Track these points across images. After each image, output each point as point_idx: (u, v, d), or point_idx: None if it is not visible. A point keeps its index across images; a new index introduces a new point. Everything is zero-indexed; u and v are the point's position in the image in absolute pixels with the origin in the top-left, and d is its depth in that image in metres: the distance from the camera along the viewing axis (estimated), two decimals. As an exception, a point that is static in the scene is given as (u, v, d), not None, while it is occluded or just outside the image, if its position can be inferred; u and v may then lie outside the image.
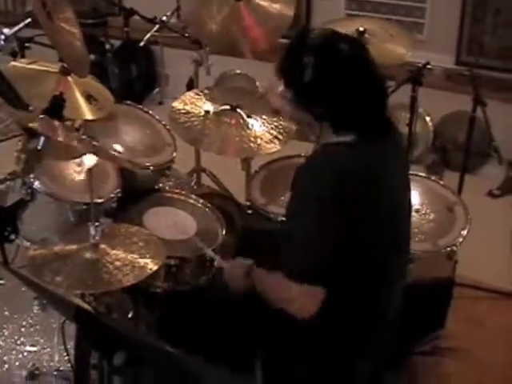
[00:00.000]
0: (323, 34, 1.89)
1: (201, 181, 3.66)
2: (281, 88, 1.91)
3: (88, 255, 1.90)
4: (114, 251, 1.96)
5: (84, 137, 1.85)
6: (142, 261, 1.98)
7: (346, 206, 1.80)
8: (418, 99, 4.16)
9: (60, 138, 1.66)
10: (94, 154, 1.78)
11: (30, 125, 1.88)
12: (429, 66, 3.64)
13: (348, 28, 3.04)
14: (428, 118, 4.85)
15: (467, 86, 3.56)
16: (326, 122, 1.87)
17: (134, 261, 1.96)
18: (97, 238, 1.92)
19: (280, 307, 1.90)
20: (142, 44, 3.73)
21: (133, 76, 5.22)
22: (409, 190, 2.07)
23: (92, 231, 1.91)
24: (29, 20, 2.00)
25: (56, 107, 1.72)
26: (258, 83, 4.80)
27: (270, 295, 1.94)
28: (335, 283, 1.84)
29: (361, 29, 2.97)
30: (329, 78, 1.84)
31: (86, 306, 1.60)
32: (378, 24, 3.15)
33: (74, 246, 1.93)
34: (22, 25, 1.99)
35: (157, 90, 5.52)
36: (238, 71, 5.07)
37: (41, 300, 2.09)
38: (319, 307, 1.86)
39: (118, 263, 1.92)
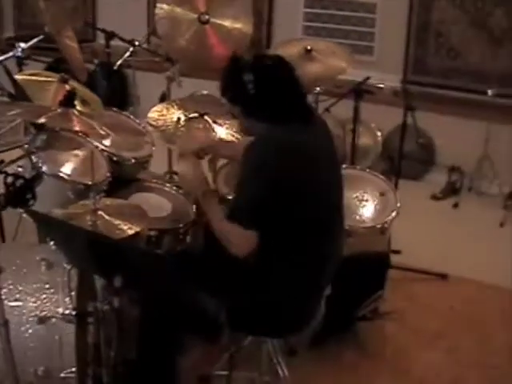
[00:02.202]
0: (251, 57, 2.58)
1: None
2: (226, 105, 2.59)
3: (89, 218, 2.55)
4: (108, 217, 2.61)
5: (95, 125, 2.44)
6: (128, 225, 2.63)
7: (275, 173, 2.44)
8: (370, 114, 4.92)
9: (76, 127, 2.28)
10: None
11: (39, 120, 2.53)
12: (380, 85, 4.38)
13: (298, 47, 3.78)
14: (379, 133, 5.57)
15: (413, 102, 4.15)
16: (254, 117, 2.55)
17: (122, 224, 2.62)
18: (97, 205, 2.57)
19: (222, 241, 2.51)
20: (115, 67, 4.39)
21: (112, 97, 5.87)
22: (336, 162, 2.73)
23: (92, 199, 2.56)
24: (41, 36, 2.65)
25: (69, 99, 2.38)
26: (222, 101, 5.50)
27: (215, 227, 2.56)
28: (269, 231, 2.47)
29: (308, 47, 3.70)
30: (267, 88, 2.51)
31: (92, 229, 2.26)
32: (324, 44, 3.90)
33: (79, 210, 2.59)
34: (35, 40, 2.64)
35: (130, 109, 6.15)
36: (206, 92, 5.76)
37: (47, 260, 2.68)
38: (252, 249, 2.46)
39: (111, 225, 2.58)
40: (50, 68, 4.75)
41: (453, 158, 5.41)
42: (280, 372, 2.99)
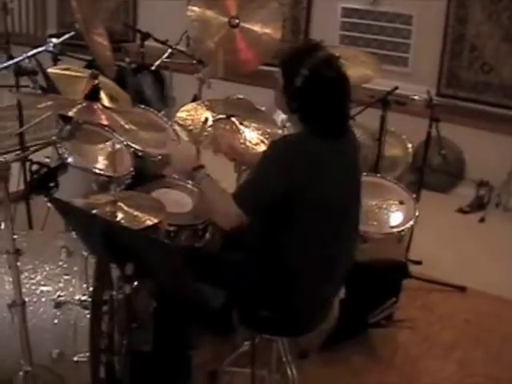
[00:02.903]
0: (324, 55, 2.65)
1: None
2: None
3: (108, 208, 2.67)
4: (127, 208, 2.73)
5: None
6: (146, 217, 2.74)
7: (294, 174, 2.54)
8: (402, 125, 4.97)
9: (102, 121, 2.38)
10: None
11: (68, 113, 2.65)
12: (414, 97, 4.44)
13: (327, 54, 3.84)
14: (409, 145, 5.59)
15: (445, 115, 4.26)
16: (296, 115, 2.64)
17: (141, 216, 2.73)
18: (117, 196, 2.68)
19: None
20: (153, 67, 4.51)
21: (144, 97, 6.00)
22: (356, 170, 2.81)
23: (113, 191, 2.67)
24: (73, 33, 2.78)
25: (94, 93, 2.50)
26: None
27: (208, 197, 2.70)
28: (290, 232, 2.58)
29: (336, 55, 3.76)
30: (311, 91, 2.58)
31: (110, 219, 2.40)
32: (353, 53, 3.97)
33: (100, 201, 2.71)
34: (67, 36, 2.76)
35: (165, 110, 6.28)
36: (241, 96, 5.86)
37: (67, 248, 2.79)
38: (236, 225, 2.56)
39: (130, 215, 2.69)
40: (90, 66, 4.89)
41: (482, 173, 5.44)
42: (289, 372, 3.05)
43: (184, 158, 2.85)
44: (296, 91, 2.59)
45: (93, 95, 2.50)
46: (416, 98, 4.41)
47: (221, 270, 2.79)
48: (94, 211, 2.63)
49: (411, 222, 3.40)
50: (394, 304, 3.46)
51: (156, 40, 4.41)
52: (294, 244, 2.64)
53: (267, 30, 3.78)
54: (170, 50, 4.41)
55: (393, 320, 3.55)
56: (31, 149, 2.48)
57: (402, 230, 3.36)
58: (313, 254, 2.65)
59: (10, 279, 2.42)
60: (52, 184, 2.50)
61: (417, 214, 3.43)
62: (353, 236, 2.88)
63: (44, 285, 2.65)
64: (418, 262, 4.18)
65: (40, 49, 2.65)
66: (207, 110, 3.56)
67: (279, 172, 2.55)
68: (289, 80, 2.62)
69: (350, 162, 2.79)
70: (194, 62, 4.19)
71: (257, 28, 3.78)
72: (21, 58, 2.75)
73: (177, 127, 3.52)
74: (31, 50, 2.84)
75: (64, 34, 2.91)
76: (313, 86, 2.58)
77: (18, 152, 3.27)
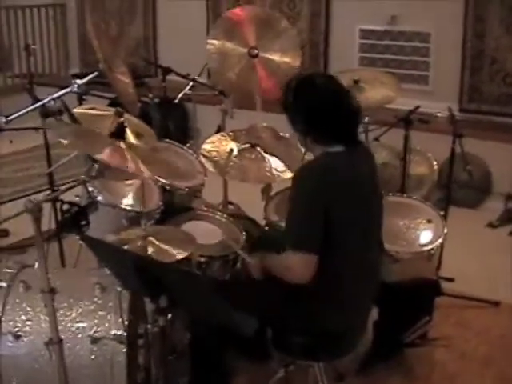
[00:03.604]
0: (305, 74, 2.73)
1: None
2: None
3: (139, 243, 2.72)
4: (158, 242, 2.77)
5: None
6: (177, 250, 2.78)
7: (328, 195, 2.58)
8: (426, 143, 4.98)
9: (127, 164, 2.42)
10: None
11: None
12: (438, 114, 4.47)
13: (347, 78, 3.88)
14: (435, 162, 5.60)
15: (469, 130, 4.27)
16: (309, 137, 2.69)
17: (172, 249, 2.77)
18: (147, 231, 2.73)
19: (282, 278, 2.64)
20: (176, 101, 4.59)
21: (169, 130, 6.08)
22: (377, 184, 2.82)
23: (143, 226, 2.72)
24: (96, 73, 2.85)
25: (120, 130, 2.56)
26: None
27: (274, 268, 2.70)
28: (325, 253, 2.58)
29: (355, 78, 3.81)
30: (304, 104, 2.65)
31: (141, 253, 2.43)
32: (372, 74, 4.01)
33: (131, 236, 2.76)
34: (91, 76, 2.83)
35: (190, 143, 6.36)
36: (265, 124, 5.92)
37: (101, 284, 2.84)
38: (313, 273, 2.56)
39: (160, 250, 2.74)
40: (114, 103, 4.98)
41: (509, 185, 5.41)
42: (326, 396, 3.06)
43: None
44: (294, 109, 2.67)
45: (119, 133, 2.56)
46: (439, 115, 4.44)
47: (255, 298, 2.80)
48: (126, 247, 2.69)
49: (440, 240, 3.40)
50: (428, 323, 3.45)
51: (177, 74, 4.48)
52: (332, 262, 2.63)
53: (286, 59, 3.84)
54: (191, 83, 4.48)
55: (428, 339, 3.54)
56: (61, 188, 2.53)
57: (432, 249, 3.36)
58: (348, 269, 2.67)
59: (46, 317, 2.46)
60: (83, 222, 2.55)
61: (445, 231, 3.43)
62: (378, 250, 2.90)
63: (80, 321, 2.68)
64: (451, 279, 4.17)
65: (65, 90, 2.72)
66: (232, 140, 3.62)
67: (314, 200, 2.58)
68: (287, 110, 2.70)
69: (370, 175, 2.81)
70: (216, 93, 4.26)
71: (276, 57, 3.84)
72: (47, 99, 2.81)
73: (203, 159, 3.57)
74: (55, 90, 2.91)
75: (87, 73, 2.98)
76: (302, 95, 2.66)
77: (48, 192, 3.34)
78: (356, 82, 3.83)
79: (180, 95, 4.51)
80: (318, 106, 2.64)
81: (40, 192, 5.38)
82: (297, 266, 2.58)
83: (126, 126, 2.58)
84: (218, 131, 4.56)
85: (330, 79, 2.74)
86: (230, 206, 4.40)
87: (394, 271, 3.22)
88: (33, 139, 5.19)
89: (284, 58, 3.84)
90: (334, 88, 2.69)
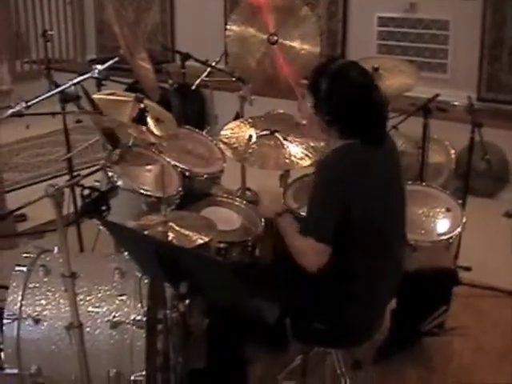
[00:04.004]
0: (342, 63, 2.71)
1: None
2: (308, 99, 2.72)
3: (159, 228, 2.71)
4: (178, 228, 2.77)
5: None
6: (197, 236, 2.78)
7: (349, 188, 2.58)
8: (444, 132, 4.95)
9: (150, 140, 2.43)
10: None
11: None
12: (455, 103, 4.44)
13: (366, 65, 3.86)
14: (452, 151, 5.57)
15: (487, 119, 4.26)
16: (334, 127, 2.67)
17: (192, 235, 2.77)
18: (167, 217, 2.73)
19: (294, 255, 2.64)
20: (193, 87, 4.57)
21: (188, 116, 6.08)
22: (400, 179, 2.81)
23: (163, 212, 2.71)
24: (117, 59, 2.84)
25: (141, 116, 2.55)
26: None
27: (288, 242, 2.70)
28: (341, 245, 2.59)
29: (375, 66, 3.79)
30: (337, 96, 2.63)
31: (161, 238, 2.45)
32: (391, 62, 3.98)
33: (151, 222, 2.76)
34: (111, 62, 2.82)
35: (207, 129, 6.35)
36: (281, 110, 5.91)
37: (120, 269, 2.84)
38: (325, 262, 2.58)
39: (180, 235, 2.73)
40: (131, 89, 4.96)
41: (527, 175, 5.39)
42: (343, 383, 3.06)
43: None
44: (325, 98, 2.63)
45: (140, 119, 2.55)
46: (457, 103, 4.41)
47: (275, 284, 2.81)
48: (146, 232, 2.68)
49: (459, 229, 3.38)
50: (446, 312, 3.43)
51: (196, 60, 4.46)
52: (352, 253, 2.64)
53: (306, 46, 3.82)
54: (208, 69, 4.45)
55: (445, 328, 3.52)
56: (82, 173, 2.53)
57: (450, 237, 3.34)
58: (369, 261, 2.66)
59: (66, 302, 2.47)
60: (104, 207, 2.55)
61: (464, 220, 3.41)
62: (403, 244, 2.91)
63: (99, 306, 2.68)
64: (468, 268, 4.15)
65: (86, 75, 2.71)
66: (250, 127, 3.61)
67: (335, 190, 2.59)
68: (316, 94, 2.66)
69: (394, 169, 2.81)
70: (234, 79, 4.23)
71: (296, 44, 3.83)
72: (67, 84, 2.80)
73: (222, 145, 3.56)
74: (72, 75, 2.90)
75: (105, 59, 2.96)
76: (339, 86, 2.62)
77: (67, 177, 3.34)
78: (376, 69, 3.81)
79: (197, 82, 4.49)
80: (353, 99, 2.62)
81: (57, 177, 5.41)
82: (310, 251, 2.60)
83: (147, 112, 2.57)
84: (236, 118, 4.55)
85: (365, 73, 2.71)
86: (248, 193, 4.40)
87: (412, 260, 3.20)
88: (48, 125, 5.20)
89: (304, 45, 3.82)
90: (367, 82, 2.68)
